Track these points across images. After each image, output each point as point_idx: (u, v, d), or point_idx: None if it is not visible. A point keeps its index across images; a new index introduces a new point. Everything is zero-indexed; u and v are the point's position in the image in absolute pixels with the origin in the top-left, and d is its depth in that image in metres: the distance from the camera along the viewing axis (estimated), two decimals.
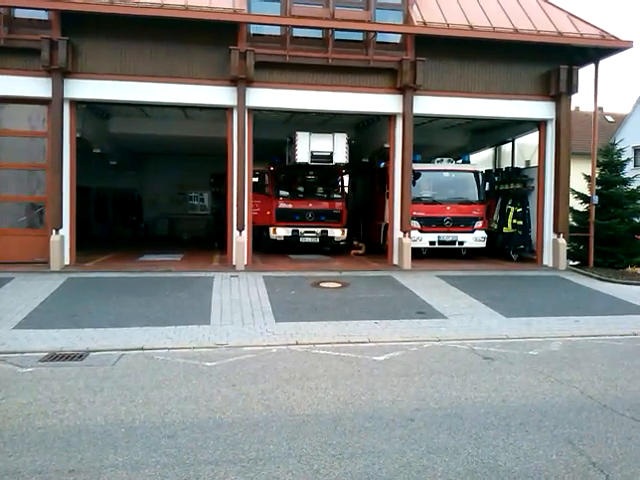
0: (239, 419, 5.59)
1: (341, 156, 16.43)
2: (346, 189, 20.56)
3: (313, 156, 16.26)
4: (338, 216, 17.91)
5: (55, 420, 5.52)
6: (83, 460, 4.70)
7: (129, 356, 7.78)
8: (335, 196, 18.25)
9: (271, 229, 17.34)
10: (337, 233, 17.67)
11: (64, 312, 10.04)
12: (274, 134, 17.49)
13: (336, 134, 16.42)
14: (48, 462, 4.65)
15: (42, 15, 13.61)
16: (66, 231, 13.97)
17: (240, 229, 14.51)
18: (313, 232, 17.47)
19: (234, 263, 14.42)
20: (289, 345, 8.44)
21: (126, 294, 11.51)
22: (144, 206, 26.64)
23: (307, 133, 16.26)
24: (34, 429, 5.30)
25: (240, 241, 14.48)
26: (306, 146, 16.20)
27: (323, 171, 17.72)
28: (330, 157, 16.36)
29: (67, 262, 14.01)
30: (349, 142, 16.63)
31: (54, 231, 13.70)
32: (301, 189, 17.98)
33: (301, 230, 17.38)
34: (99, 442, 5.03)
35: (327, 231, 17.54)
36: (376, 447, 4.99)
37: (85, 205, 20.66)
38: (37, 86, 13.56)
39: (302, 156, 16.21)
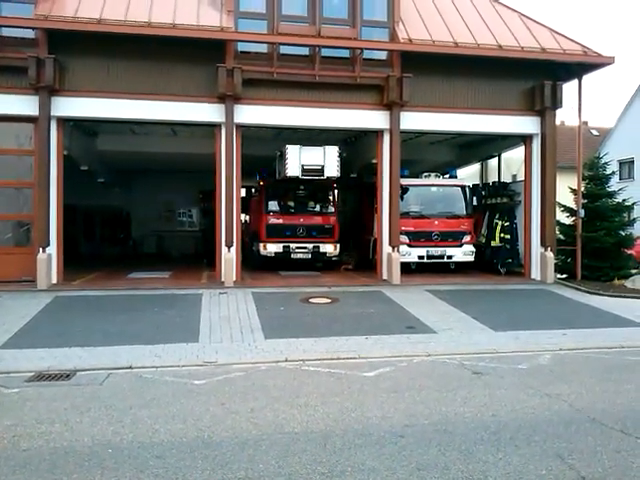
0: (228, 438, 5.54)
1: (332, 169, 16.12)
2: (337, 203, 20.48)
3: (304, 170, 15.92)
4: (330, 231, 17.57)
5: (41, 441, 5.44)
6: None
7: (117, 375, 7.70)
8: (327, 211, 17.94)
9: (261, 245, 16.98)
10: (329, 249, 17.36)
11: (51, 331, 9.94)
12: (262, 150, 17.54)
13: (327, 147, 16.17)
14: None
15: (29, 34, 13.65)
16: (53, 249, 13.87)
17: (229, 245, 14.48)
18: (305, 248, 17.10)
19: (223, 279, 14.37)
20: (278, 362, 8.40)
21: (114, 312, 11.42)
22: (132, 223, 26.56)
23: (297, 146, 15.96)
24: (19, 451, 5.22)
25: (229, 257, 14.44)
26: (297, 160, 15.88)
27: (314, 185, 17.42)
28: (321, 171, 16.03)
29: (54, 280, 13.90)
30: (340, 155, 16.35)
31: (41, 249, 13.58)
32: (292, 204, 17.67)
33: (292, 246, 17.01)
34: (86, 463, 4.96)
35: (319, 247, 17.21)
36: (366, 464, 4.95)
37: (73, 223, 20.57)
38: (24, 104, 13.52)
39: (293, 170, 15.88)
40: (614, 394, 6.96)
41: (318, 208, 17.92)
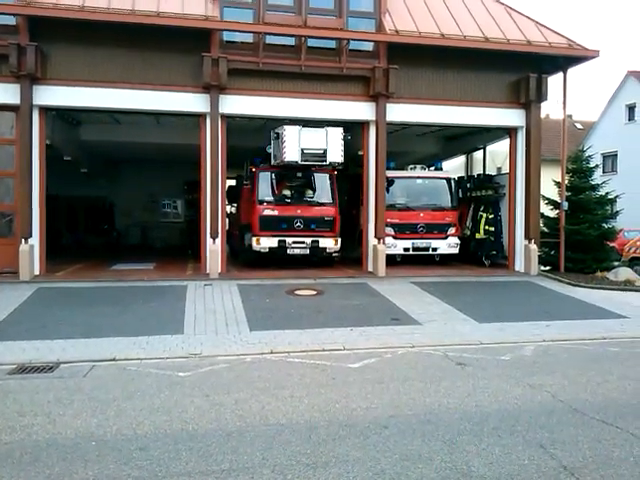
0: (212, 430, 5.52)
1: (336, 155, 14.65)
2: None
3: (304, 154, 14.38)
4: (331, 224, 15.75)
5: (23, 434, 5.39)
6: (52, 475, 4.59)
7: (100, 367, 7.65)
8: (327, 201, 16.00)
9: (254, 239, 15.28)
10: (329, 243, 15.64)
11: (34, 323, 9.84)
12: (248, 141, 17.37)
13: (330, 129, 14.64)
14: (15, 478, 4.53)
15: (10, 20, 13.39)
16: (36, 240, 13.71)
17: (214, 237, 14.40)
18: (302, 242, 15.40)
19: (208, 271, 14.31)
20: (263, 354, 8.39)
21: (97, 304, 11.33)
22: (116, 214, 26.34)
23: (297, 127, 14.37)
24: (0, 444, 5.17)
25: (214, 249, 14.37)
26: (295, 142, 14.31)
27: (313, 172, 15.94)
28: (324, 155, 14.54)
29: (37, 272, 13.75)
30: (345, 138, 14.86)
31: (23, 240, 13.42)
32: (288, 193, 15.78)
33: (288, 240, 15.31)
34: (69, 456, 4.93)
35: (318, 241, 15.48)
36: (350, 455, 4.97)
37: (56, 214, 20.30)
38: (5, 92, 13.31)
39: (291, 154, 14.35)
40: (596, 385, 7.04)
41: (317, 198, 16.00)
